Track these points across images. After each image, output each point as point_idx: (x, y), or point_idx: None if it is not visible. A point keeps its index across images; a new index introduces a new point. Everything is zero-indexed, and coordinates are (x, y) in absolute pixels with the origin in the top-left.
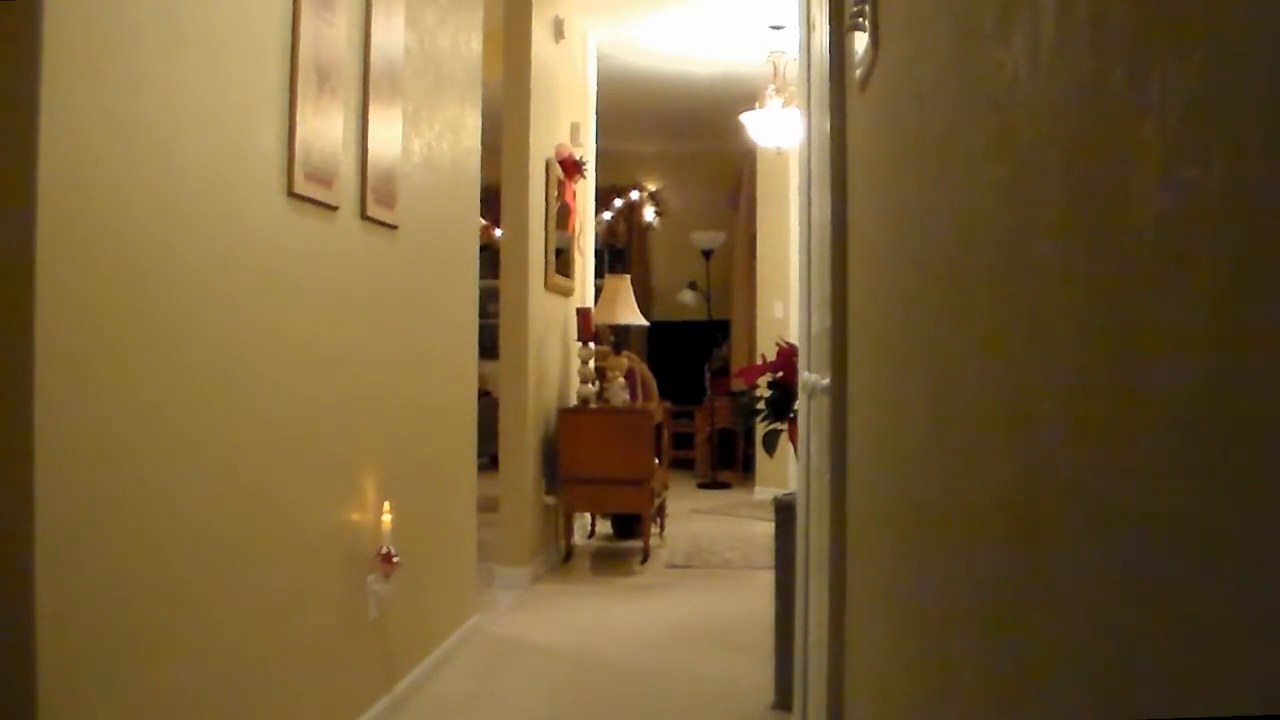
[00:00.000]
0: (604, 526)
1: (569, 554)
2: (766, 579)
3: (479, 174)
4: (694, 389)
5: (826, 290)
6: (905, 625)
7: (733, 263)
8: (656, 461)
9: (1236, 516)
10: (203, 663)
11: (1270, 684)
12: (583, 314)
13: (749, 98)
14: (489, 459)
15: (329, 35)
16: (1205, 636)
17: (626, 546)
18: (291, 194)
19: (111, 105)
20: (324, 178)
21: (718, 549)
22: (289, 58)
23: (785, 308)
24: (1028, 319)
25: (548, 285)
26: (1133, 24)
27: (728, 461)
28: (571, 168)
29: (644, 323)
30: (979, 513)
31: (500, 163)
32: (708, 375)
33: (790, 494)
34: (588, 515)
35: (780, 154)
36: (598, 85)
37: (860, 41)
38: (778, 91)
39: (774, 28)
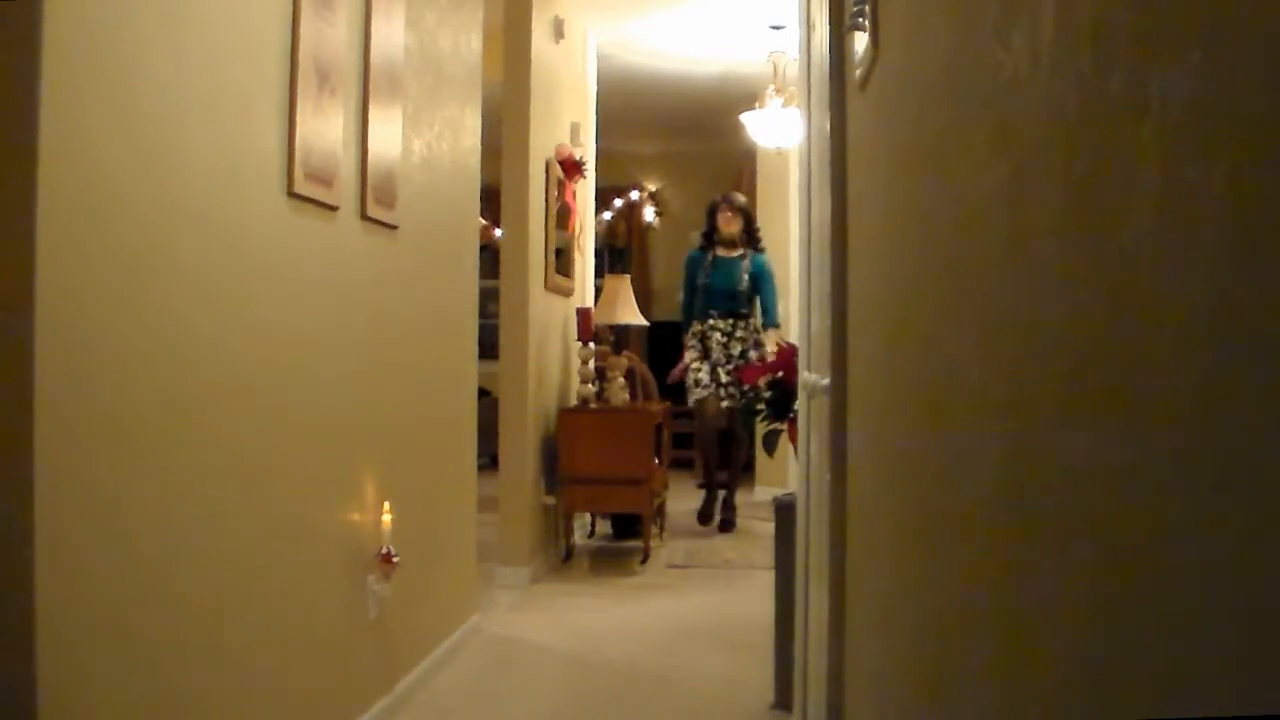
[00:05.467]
0: (604, 527)
1: (569, 554)
2: (766, 579)
3: (479, 174)
4: None
5: (826, 290)
6: (905, 625)
7: None
8: (656, 461)
9: (1237, 515)
10: (202, 663)
11: (1270, 684)
12: (583, 314)
13: (749, 98)
14: (489, 459)
15: (329, 35)
16: (1206, 636)
17: (626, 546)
18: (291, 194)
19: (111, 105)
20: (324, 178)
21: (718, 549)
22: (289, 57)
23: (785, 308)
24: (1027, 318)
25: (548, 285)
26: (1133, 24)
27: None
28: (571, 168)
29: (644, 323)
30: (979, 512)
31: (500, 163)
32: None
33: (790, 494)
34: (588, 515)
35: (780, 154)
36: (598, 85)
37: (860, 41)
38: (778, 91)
39: (774, 28)
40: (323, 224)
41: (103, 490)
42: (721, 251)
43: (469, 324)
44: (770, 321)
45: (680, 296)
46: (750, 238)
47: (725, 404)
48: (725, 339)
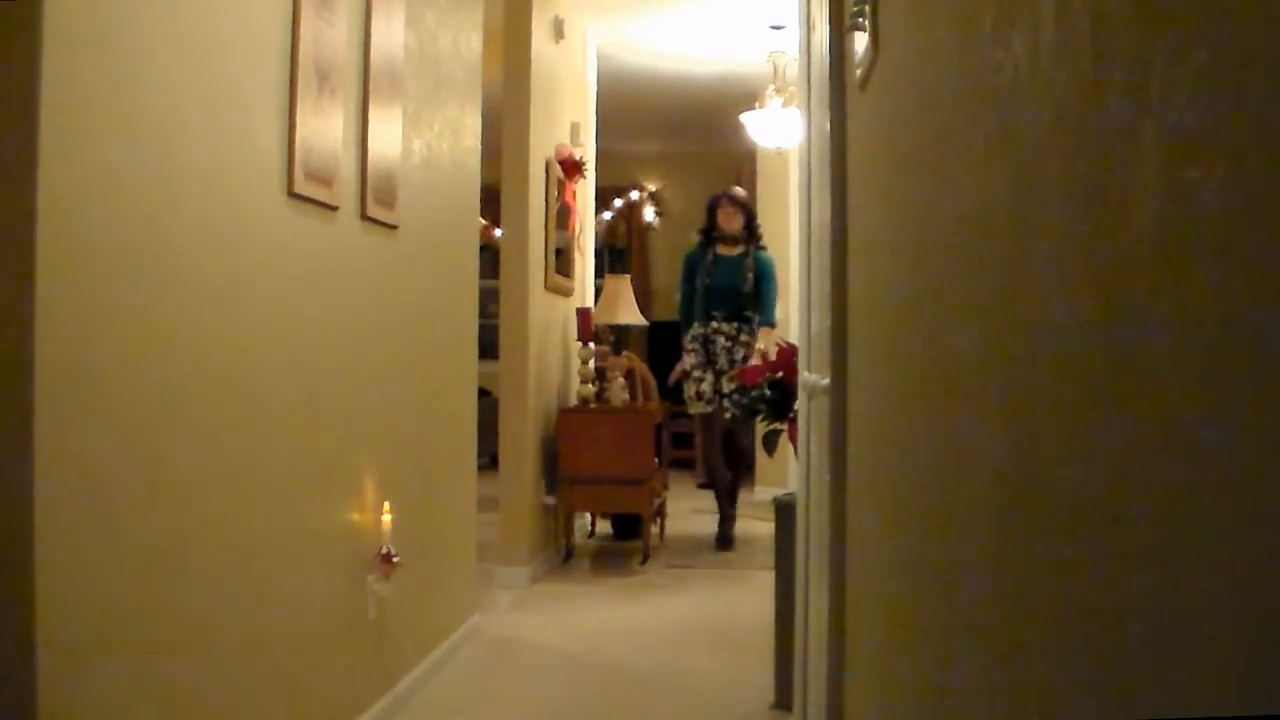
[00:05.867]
0: (604, 526)
1: (569, 554)
2: (766, 579)
3: (479, 174)
4: None
5: (826, 290)
6: (905, 625)
7: None
8: (656, 461)
9: (1236, 514)
10: (203, 663)
11: (1270, 684)
12: (583, 314)
13: (749, 98)
14: (489, 459)
15: (329, 35)
16: (1206, 636)
17: (626, 546)
18: (291, 194)
19: (112, 105)
20: (324, 178)
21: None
22: (289, 57)
23: (785, 308)
24: (1027, 318)
25: (548, 285)
26: (1133, 24)
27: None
28: (571, 168)
29: (644, 323)
30: (979, 512)
31: (500, 163)
32: None
33: (790, 494)
34: (588, 515)
35: (780, 154)
36: (598, 85)
37: (860, 41)
38: (778, 91)
39: (774, 28)
40: (323, 224)
41: (103, 490)
42: (722, 249)
43: (469, 324)
44: (766, 320)
45: (679, 296)
46: (751, 234)
47: (729, 415)
48: (730, 343)
